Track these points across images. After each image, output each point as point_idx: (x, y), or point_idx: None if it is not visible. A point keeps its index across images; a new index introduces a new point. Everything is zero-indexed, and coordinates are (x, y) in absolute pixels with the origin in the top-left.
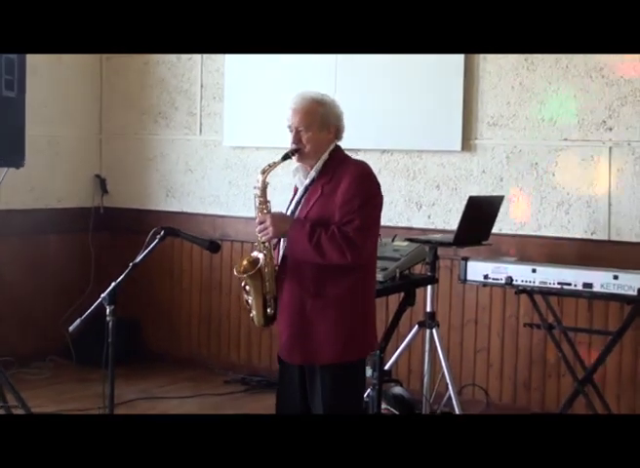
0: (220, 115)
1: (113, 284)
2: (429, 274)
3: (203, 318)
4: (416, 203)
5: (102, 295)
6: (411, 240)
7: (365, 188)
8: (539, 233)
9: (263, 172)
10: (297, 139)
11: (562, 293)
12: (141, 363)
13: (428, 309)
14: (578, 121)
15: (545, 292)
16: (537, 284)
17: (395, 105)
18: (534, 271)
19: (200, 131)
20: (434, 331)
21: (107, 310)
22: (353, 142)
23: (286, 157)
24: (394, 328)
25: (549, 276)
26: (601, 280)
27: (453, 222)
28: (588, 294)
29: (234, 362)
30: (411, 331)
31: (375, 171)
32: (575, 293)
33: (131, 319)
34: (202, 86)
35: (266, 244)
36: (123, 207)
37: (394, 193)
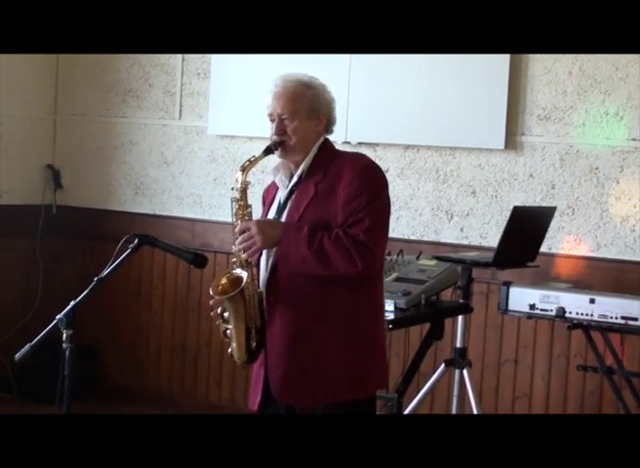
0: (206, 96)
1: (72, 303)
2: (461, 301)
3: (176, 347)
4: (446, 212)
5: (59, 317)
6: (440, 258)
7: (372, 183)
8: (597, 254)
9: (243, 169)
10: (280, 130)
11: (626, 330)
12: (99, 400)
13: (458, 344)
14: None
15: (605, 328)
16: (595, 317)
17: (423, 91)
18: (592, 302)
19: (180, 114)
20: (465, 371)
21: (64, 335)
22: (370, 136)
23: (268, 151)
24: (417, 367)
25: (611, 308)
26: None
27: (491, 238)
28: None
29: (214, 402)
30: (435, 370)
31: (397, 171)
32: None
33: (87, 347)
34: (183, 59)
35: (249, 260)
36: (80, 206)
37: (419, 199)
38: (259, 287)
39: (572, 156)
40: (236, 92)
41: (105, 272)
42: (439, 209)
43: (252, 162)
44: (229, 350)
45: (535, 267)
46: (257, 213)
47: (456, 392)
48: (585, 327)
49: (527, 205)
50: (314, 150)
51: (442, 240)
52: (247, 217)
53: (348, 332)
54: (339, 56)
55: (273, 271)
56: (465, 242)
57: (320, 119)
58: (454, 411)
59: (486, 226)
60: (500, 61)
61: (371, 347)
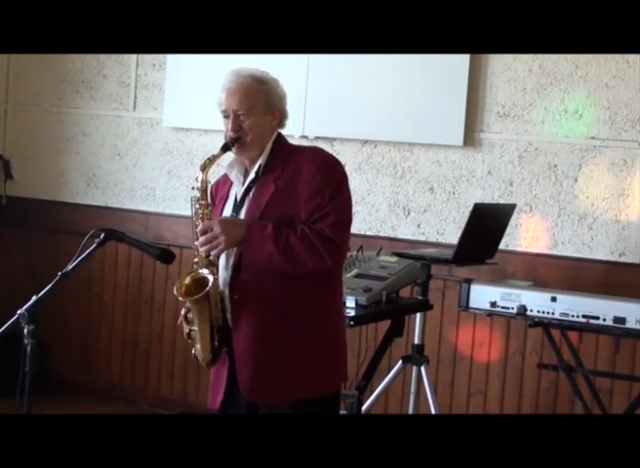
0: (161, 87)
1: (35, 297)
2: (420, 297)
3: (128, 341)
4: (403, 208)
5: (20, 312)
6: (400, 255)
7: (334, 177)
8: (554, 252)
9: (204, 167)
10: (236, 126)
11: (586, 328)
12: (48, 394)
13: (416, 341)
14: (609, 116)
15: (566, 327)
16: (556, 316)
17: (382, 86)
18: (553, 300)
19: (134, 106)
20: (422, 368)
21: (25, 330)
22: (328, 130)
23: (226, 148)
24: (377, 363)
25: (573, 307)
26: (637, 314)
27: (448, 234)
28: (620, 331)
29: (165, 396)
30: (391, 367)
31: (354, 166)
32: (603, 329)
33: (36, 340)
34: None
35: (212, 259)
36: (31, 197)
37: (376, 194)
38: (219, 285)
39: (530, 153)
40: (192, 84)
41: (70, 267)
42: (396, 204)
43: (211, 160)
44: (193, 351)
45: (493, 264)
46: None
47: (413, 389)
48: (546, 325)
49: (485, 202)
50: (269, 146)
51: (399, 236)
52: (208, 217)
53: (315, 328)
54: None
55: (236, 270)
56: (422, 238)
57: (274, 114)
58: (410, 408)
59: (443, 223)
60: (460, 58)
61: (335, 342)
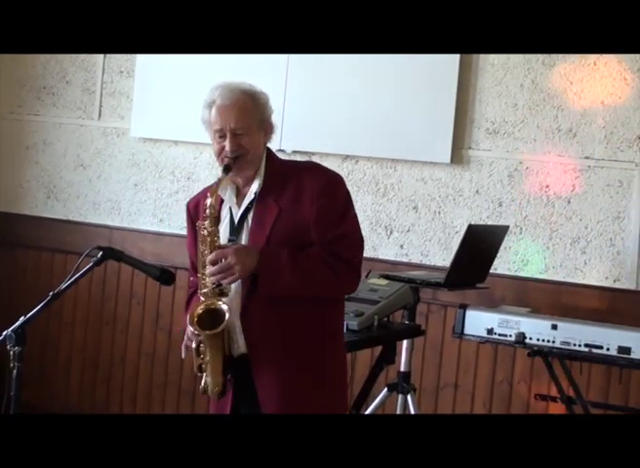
0: (129, 95)
1: (22, 318)
2: (406, 322)
3: (88, 362)
4: (385, 227)
5: (6, 333)
6: (388, 277)
7: (341, 196)
8: (545, 276)
9: (213, 193)
10: (236, 145)
11: (589, 358)
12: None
13: (402, 368)
14: (605, 135)
15: (567, 356)
16: (557, 344)
17: (364, 98)
18: (554, 328)
19: (99, 114)
20: (409, 397)
21: (11, 353)
22: (306, 144)
23: (228, 170)
24: (368, 393)
25: (575, 335)
26: None
27: (432, 256)
28: (625, 362)
29: None
30: (374, 394)
31: None
32: (607, 359)
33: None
34: (105, 56)
35: (224, 289)
36: None
37: (357, 213)
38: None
39: (521, 173)
40: (162, 92)
41: (63, 286)
42: (378, 224)
43: (218, 184)
44: (202, 384)
45: (484, 289)
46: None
47: None
48: (546, 354)
49: (474, 223)
50: (263, 163)
51: (380, 256)
52: (217, 244)
53: (329, 349)
54: (275, 59)
55: (247, 299)
56: (405, 259)
57: (266, 129)
58: None
59: (427, 244)
60: (449, 71)
61: (343, 363)
